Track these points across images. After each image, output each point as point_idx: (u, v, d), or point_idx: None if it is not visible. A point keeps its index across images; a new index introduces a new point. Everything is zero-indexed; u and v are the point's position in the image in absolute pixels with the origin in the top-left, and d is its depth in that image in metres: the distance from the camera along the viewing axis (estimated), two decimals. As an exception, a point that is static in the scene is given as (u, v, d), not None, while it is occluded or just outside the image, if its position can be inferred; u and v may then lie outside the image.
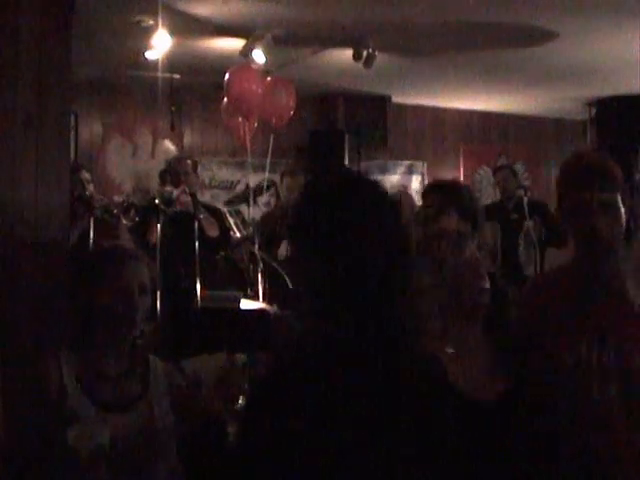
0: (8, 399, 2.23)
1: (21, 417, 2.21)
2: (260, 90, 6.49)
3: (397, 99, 9.19)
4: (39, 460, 2.13)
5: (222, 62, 6.54)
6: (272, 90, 6.63)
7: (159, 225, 5.31)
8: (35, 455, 2.14)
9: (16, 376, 2.47)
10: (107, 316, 2.24)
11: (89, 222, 4.84)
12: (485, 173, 10.09)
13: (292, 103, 6.75)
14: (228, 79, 6.40)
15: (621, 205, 2.04)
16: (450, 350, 1.92)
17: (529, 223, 6.53)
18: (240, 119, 6.70)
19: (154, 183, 6.41)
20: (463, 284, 2.12)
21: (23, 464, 2.11)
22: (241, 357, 1.90)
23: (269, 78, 6.71)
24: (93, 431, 2.07)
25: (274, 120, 6.77)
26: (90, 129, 8.26)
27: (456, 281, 2.15)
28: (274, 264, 5.69)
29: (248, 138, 6.72)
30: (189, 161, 6.19)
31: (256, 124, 6.87)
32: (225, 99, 6.71)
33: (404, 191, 8.47)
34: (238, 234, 6.55)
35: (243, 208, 8.05)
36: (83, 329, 2.29)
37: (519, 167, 9.53)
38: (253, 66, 6.54)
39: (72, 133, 6.30)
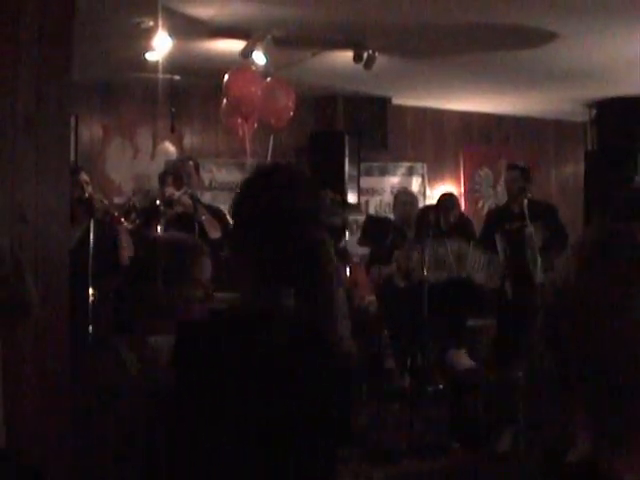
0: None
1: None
2: (259, 91, 6.49)
3: (397, 100, 9.19)
4: None
5: (222, 63, 6.54)
6: (271, 91, 6.63)
7: (160, 227, 5.32)
8: None
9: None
10: None
11: (89, 224, 4.85)
12: (485, 174, 10.08)
13: (291, 104, 6.75)
14: (227, 80, 6.41)
15: None
16: None
17: (530, 229, 6.44)
18: (239, 120, 6.70)
19: (154, 185, 6.40)
20: None
21: None
22: None
23: (268, 79, 6.71)
24: None
25: (273, 121, 6.77)
26: (90, 131, 8.25)
27: None
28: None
29: (247, 139, 6.72)
30: (191, 163, 6.20)
31: (256, 125, 6.87)
32: (224, 100, 6.71)
33: (408, 190, 8.45)
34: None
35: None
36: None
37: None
38: (253, 67, 6.55)
39: (72, 135, 6.29)
